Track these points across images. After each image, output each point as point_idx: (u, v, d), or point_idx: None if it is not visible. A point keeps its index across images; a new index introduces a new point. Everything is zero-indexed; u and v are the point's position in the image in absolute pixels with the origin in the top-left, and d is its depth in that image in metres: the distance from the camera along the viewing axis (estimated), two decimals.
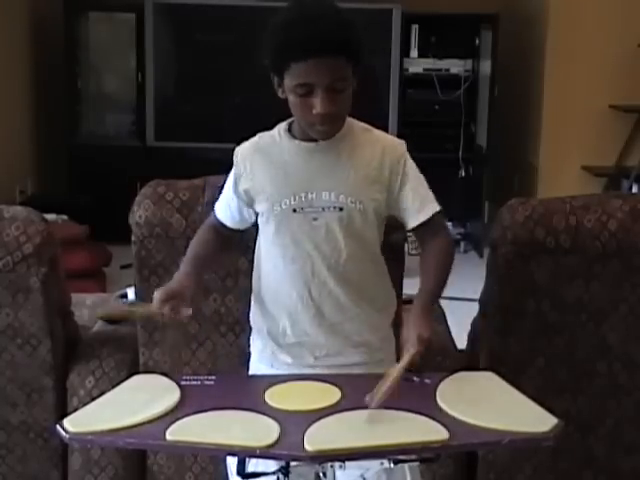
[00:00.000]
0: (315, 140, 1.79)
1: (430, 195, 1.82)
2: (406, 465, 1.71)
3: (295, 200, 1.77)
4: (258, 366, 1.92)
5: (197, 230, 2.07)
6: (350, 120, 1.82)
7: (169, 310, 1.72)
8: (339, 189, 1.77)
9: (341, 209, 1.77)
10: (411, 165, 1.82)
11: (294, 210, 1.77)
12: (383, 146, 1.82)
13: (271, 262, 1.84)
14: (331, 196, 1.77)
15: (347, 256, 1.79)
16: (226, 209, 1.90)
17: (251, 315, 1.94)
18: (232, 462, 1.76)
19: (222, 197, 1.92)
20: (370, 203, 1.79)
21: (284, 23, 1.70)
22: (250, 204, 1.85)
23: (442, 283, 1.78)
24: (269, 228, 1.81)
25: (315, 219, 1.78)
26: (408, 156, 1.83)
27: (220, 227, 1.93)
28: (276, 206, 1.78)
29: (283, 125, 1.85)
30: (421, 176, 1.83)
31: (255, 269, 1.91)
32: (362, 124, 1.85)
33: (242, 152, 1.86)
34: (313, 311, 1.81)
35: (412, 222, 1.81)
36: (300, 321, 1.82)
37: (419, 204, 1.81)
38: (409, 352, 1.62)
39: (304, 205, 1.77)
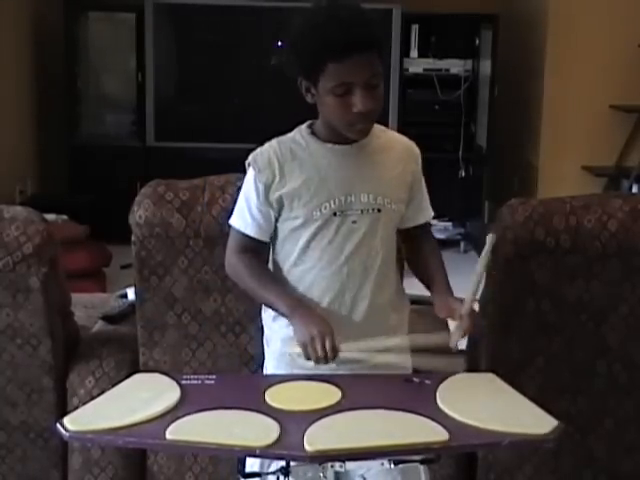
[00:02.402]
0: (346, 143, 1.79)
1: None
2: (420, 466, 1.71)
3: (335, 203, 1.77)
4: (275, 372, 1.88)
5: (199, 229, 2.08)
6: None
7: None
8: (377, 190, 1.79)
9: (379, 210, 1.79)
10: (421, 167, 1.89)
11: (334, 214, 1.77)
12: (403, 147, 1.88)
13: (303, 266, 1.80)
14: (370, 198, 1.78)
15: (382, 259, 1.81)
16: (259, 224, 1.81)
17: (266, 319, 1.90)
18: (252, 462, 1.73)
19: (246, 214, 1.81)
20: (400, 204, 1.83)
21: (314, 25, 1.71)
22: (279, 211, 1.80)
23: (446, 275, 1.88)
24: (305, 232, 1.78)
25: (354, 222, 1.78)
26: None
27: (257, 246, 1.83)
28: (316, 211, 1.76)
29: (304, 129, 1.83)
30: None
31: (275, 274, 1.87)
32: (376, 125, 1.85)
33: (265, 159, 1.79)
34: (344, 314, 1.79)
35: (421, 219, 1.91)
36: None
37: (426, 204, 1.91)
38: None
39: (344, 208, 1.77)
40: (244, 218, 1.82)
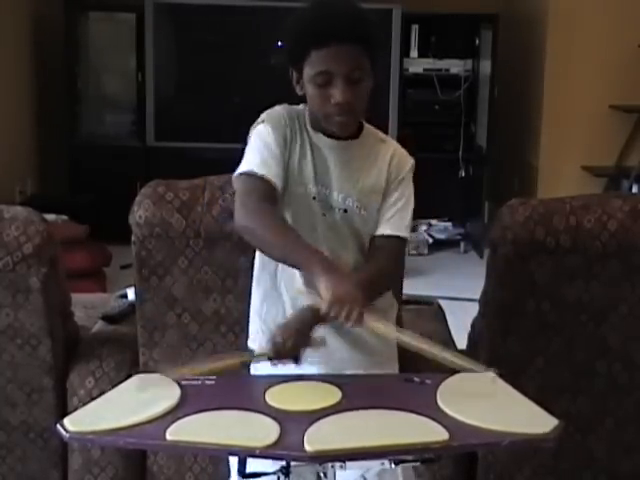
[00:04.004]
0: (333, 137, 1.79)
1: (408, 222, 1.81)
2: (399, 468, 1.71)
3: (314, 189, 1.79)
4: (256, 368, 1.91)
5: (199, 229, 2.08)
6: (368, 127, 1.84)
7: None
8: (348, 192, 1.79)
9: (345, 211, 1.79)
10: (409, 185, 1.83)
11: (314, 198, 1.79)
12: (391, 159, 1.83)
13: None
14: (340, 197, 1.79)
15: (353, 256, 1.81)
16: (277, 172, 1.72)
17: (252, 311, 1.93)
18: (234, 462, 1.76)
19: (265, 159, 1.72)
20: (373, 212, 1.82)
21: (305, 15, 1.75)
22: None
23: (375, 288, 1.73)
24: (288, 211, 1.79)
25: (324, 215, 1.79)
26: (411, 176, 1.84)
27: (273, 195, 1.71)
28: (301, 188, 1.78)
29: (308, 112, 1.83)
30: (412, 202, 1.83)
31: (258, 261, 1.88)
32: (380, 134, 1.87)
33: (285, 117, 1.78)
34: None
35: (380, 229, 1.81)
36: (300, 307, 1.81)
37: (396, 219, 1.81)
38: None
39: (321, 198, 1.79)
40: (264, 162, 1.71)
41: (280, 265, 1.82)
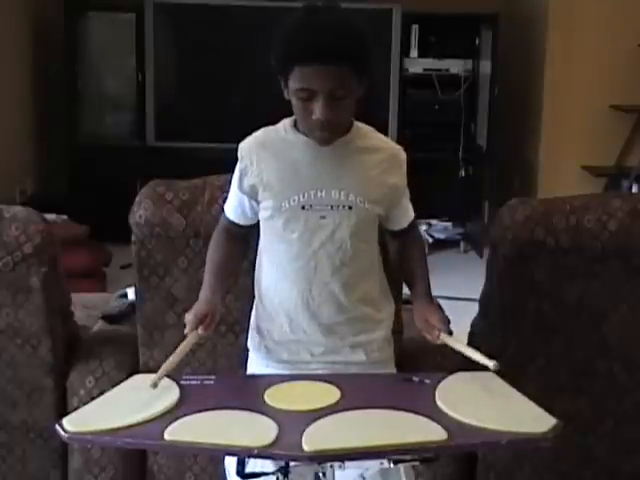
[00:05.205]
0: None
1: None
2: (401, 466, 1.72)
3: (304, 197, 1.77)
4: (252, 366, 1.92)
5: (199, 229, 2.09)
6: (357, 122, 1.83)
7: (203, 330, 1.75)
8: (349, 188, 1.78)
9: (350, 208, 1.78)
10: (405, 172, 1.88)
11: (302, 207, 1.77)
12: (389, 152, 1.86)
13: (275, 258, 1.83)
14: (341, 195, 1.78)
15: (351, 256, 1.80)
16: (236, 208, 1.89)
17: (252, 312, 1.94)
18: (229, 464, 1.77)
19: (230, 196, 1.90)
20: (375, 205, 1.81)
21: (293, 27, 1.72)
22: (255, 198, 1.84)
23: (428, 277, 1.91)
24: (275, 224, 1.80)
25: (323, 217, 1.78)
26: (405, 163, 1.88)
27: (233, 227, 1.91)
28: (284, 203, 1.78)
29: (288, 121, 1.84)
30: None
31: (257, 265, 1.90)
32: (367, 127, 1.87)
33: (246, 147, 1.84)
34: (312, 310, 1.81)
35: (404, 222, 1.92)
36: (298, 319, 1.82)
37: (409, 206, 1.92)
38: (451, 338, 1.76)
39: (313, 202, 1.77)
40: (228, 200, 1.92)
41: (262, 271, 1.88)
